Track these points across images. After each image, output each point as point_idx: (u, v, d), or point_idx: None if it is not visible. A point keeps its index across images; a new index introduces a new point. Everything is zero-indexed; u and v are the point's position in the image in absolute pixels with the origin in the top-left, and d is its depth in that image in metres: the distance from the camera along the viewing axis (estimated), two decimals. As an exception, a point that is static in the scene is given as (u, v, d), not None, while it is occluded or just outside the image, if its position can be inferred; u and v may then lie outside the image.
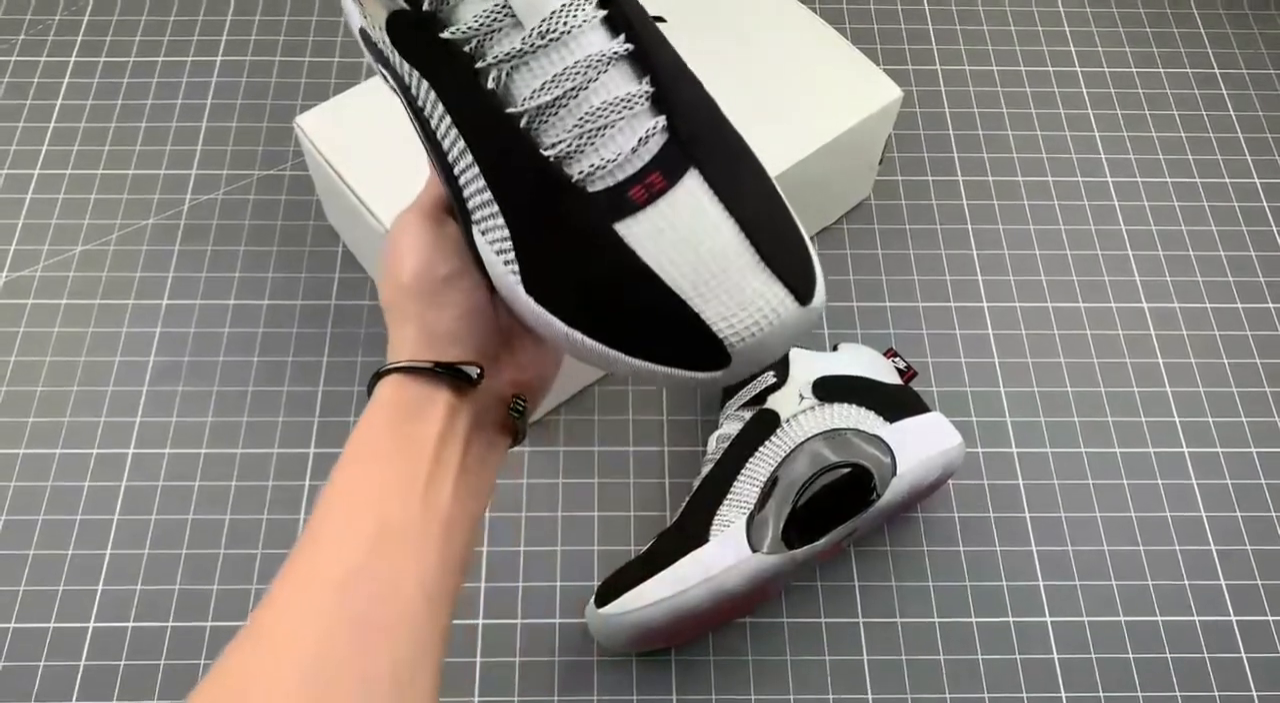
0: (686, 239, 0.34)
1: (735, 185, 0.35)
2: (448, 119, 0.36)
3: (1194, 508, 0.67)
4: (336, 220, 0.72)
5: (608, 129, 0.34)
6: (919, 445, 0.60)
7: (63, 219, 0.75)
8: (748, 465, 0.59)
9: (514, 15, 0.33)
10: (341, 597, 0.33)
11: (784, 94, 0.68)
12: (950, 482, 0.67)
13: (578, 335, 0.35)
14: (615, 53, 0.34)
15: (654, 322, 0.34)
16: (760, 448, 0.60)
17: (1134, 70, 0.86)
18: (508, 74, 0.34)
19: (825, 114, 0.67)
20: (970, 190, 0.79)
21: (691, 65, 0.69)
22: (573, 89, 0.34)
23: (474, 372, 0.38)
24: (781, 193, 0.37)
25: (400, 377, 0.38)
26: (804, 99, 0.68)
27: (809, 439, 0.59)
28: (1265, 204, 0.79)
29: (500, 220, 0.36)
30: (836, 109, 0.67)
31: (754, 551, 0.56)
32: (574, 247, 0.34)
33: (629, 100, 0.34)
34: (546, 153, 0.34)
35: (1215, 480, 0.68)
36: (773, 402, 0.61)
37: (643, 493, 0.66)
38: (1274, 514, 0.67)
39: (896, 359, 0.65)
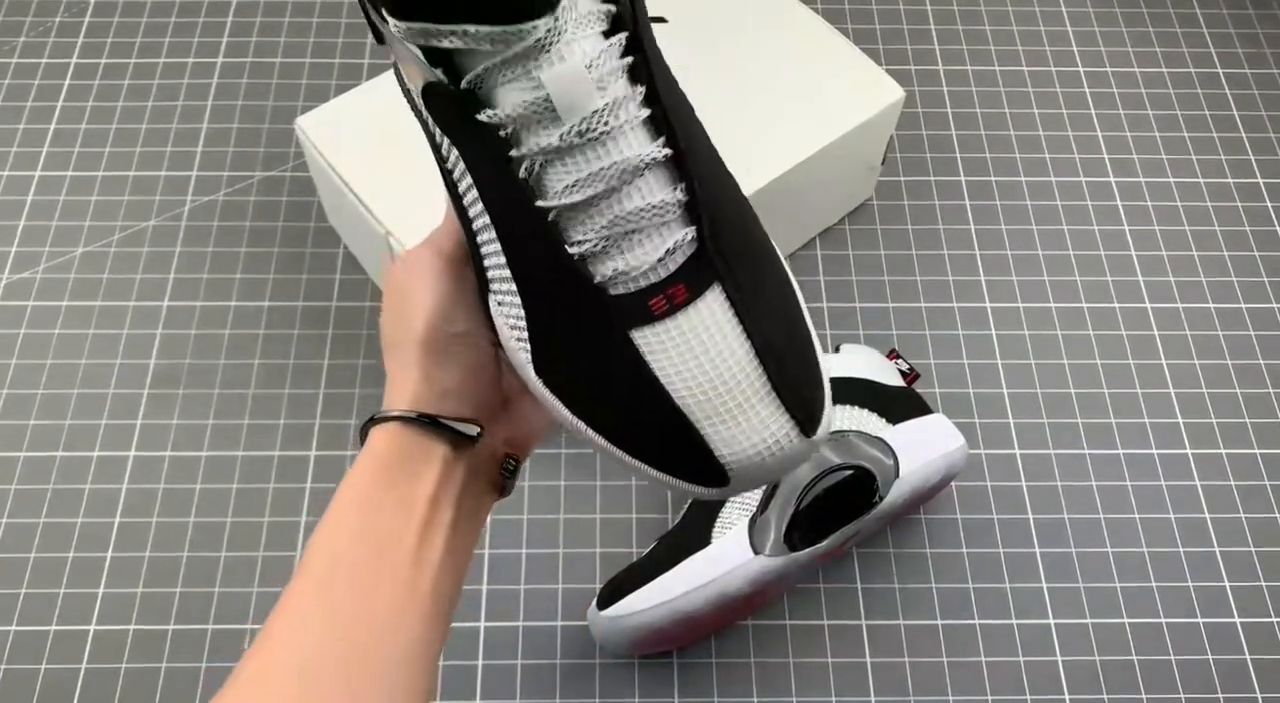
0: (700, 359, 0.33)
1: (756, 301, 0.34)
2: (474, 193, 0.35)
3: (1198, 509, 0.67)
4: (338, 222, 0.72)
5: (637, 234, 0.33)
6: (922, 447, 0.60)
7: (63, 221, 0.75)
8: (750, 467, 0.59)
9: (554, 110, 0.32)
10: (330, 641, 0.33)
11: (786, 95, 0.68)
12: (953, 483, 0.67)
13: (582, 425, 0.35)
14: (654, 158, 0.33)
15: (658, 433, 0.34)
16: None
17: (1136, 70, 0.85)
18: (541, 166, 0.33)
19: (827, 115, 0.67)
20: (973, 191, 0.78)
21: (693, 66, 0.69)
22: (606, 191, 0.33)
23: (474, 430, 0.38)
24: (802, 303, 0.37)
25: (398, 426, 0.37)
26: (806, 100, 0.68)
27: (811, 441, 0.59)
28: (1269, 204, 0.79)
29: (517, 300, 0.35)
30: (839, 110, 0.67)
31: (756, 553, 0.56)
32: (588, 345, 0.34)
33: (661, 209, 0.33)
34: (571, 250, 0.33)
35: (1219, 482, 0.68)
36: (775, 403, 0.61)
37: (645, 495, 0.66)
38: (1278, 515, 0.67)
39: (899, 360, 0.65)
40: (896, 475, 0.59)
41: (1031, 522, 0.66)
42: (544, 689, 0.60)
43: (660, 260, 0.33)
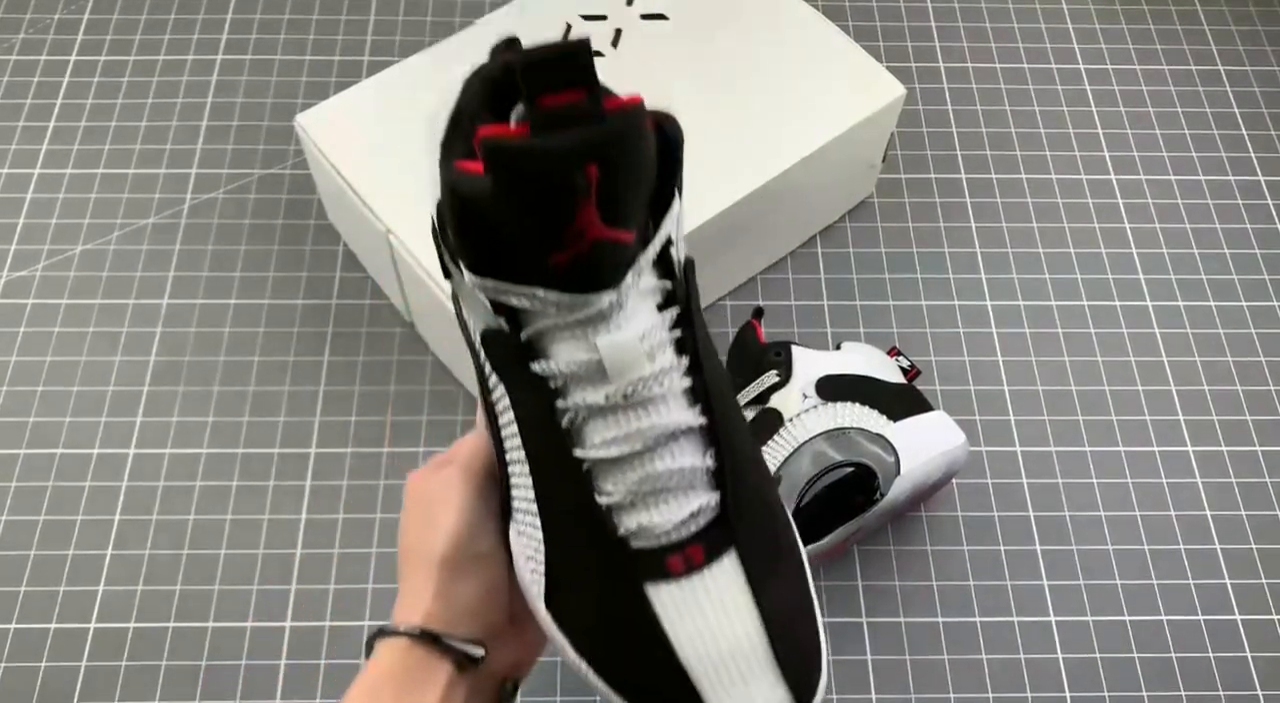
0: (711, 623, 0.35)
1: (768, 569, 0.36)
2: (514, 428, 0.36)
3: (1198, 507, 0.67)
4: (337, 219, 0.72)
5: (664, 494, 0.35)
6: (923, 444, 0.60)
7: (63, 219, 0.75)
8: (751, 465, 0.59)
9: (604, 372, 0.33)
10: None
11: (787, 91, 0.68)
12: (954, 481, 0.67)
13: (584, 665, 0.36)
14: (690, 425, 0.35)
15: (660, 688, 0.35)
16: (763, 447, 0.59)
17: (1137, 67, 0.85)
18: (584, 419, 0.34)
19: (828, 111, 0.67)
20: (973, 188, 0.78)
21: (694, 63, 0.69)
22: (642, 451, 0.34)
23: (480, 653, 0.38)
24: (808, 567, 0.38)
25: (406, 642, 0.37)
26: (807, 96, 0.68)
27: (812, 438, 0.59)
28: (1269, 201, 0.79)
29: (539, 534, 0.36)
30: (839, 106, 0.67)
31: (757, 550, 0.56)
32: (603, 591, 0.35)
33: (691, 473, 0.35)
34: (601, 499, 0.34)
35: (1220, 479, 0.67)
36: (776, 401, 0.61)
37: None
38: (1278, 512, 0.67)
39: (900, 358, 0.65)
40: (897, 473, 0.59)
41: (1032, 519, 0.66)
42: (545, 687, 0.60)
43: (683, 521, 0.35)
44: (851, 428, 0.59)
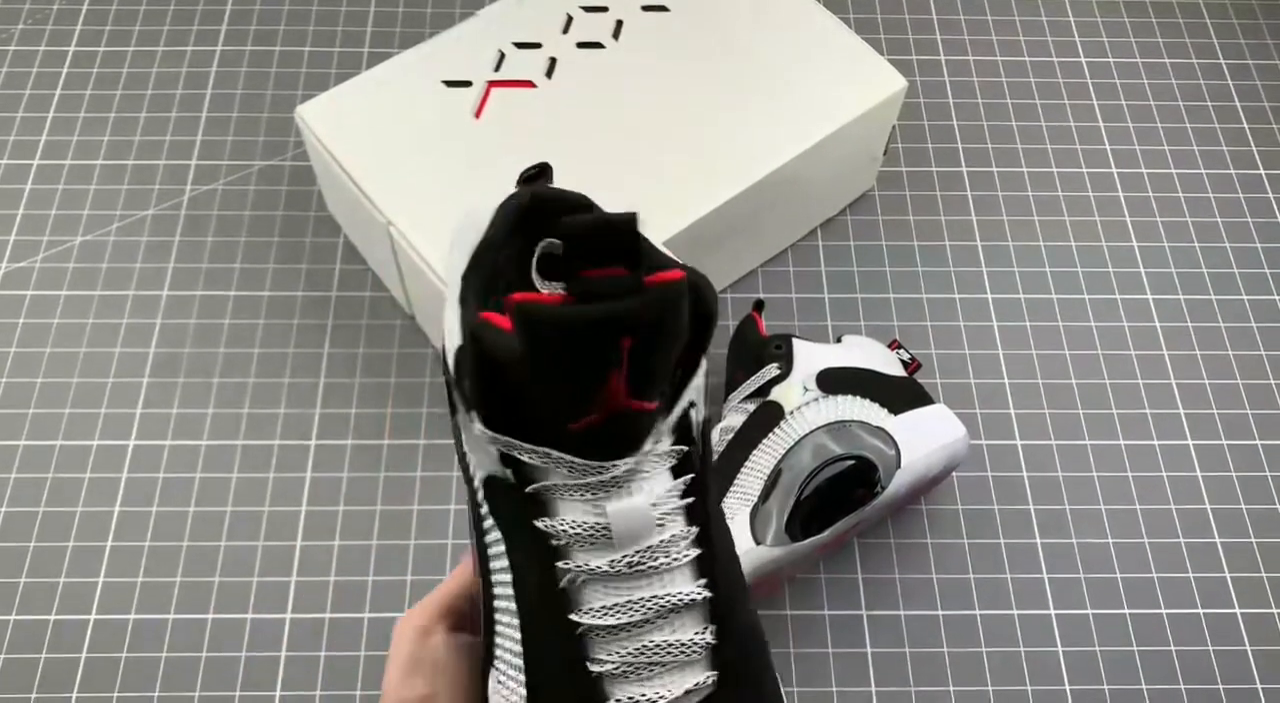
0: None
1: None
2: (507, 577, 0.34)
3: (1198, 501, 0.67)
4: (337, 211, 0.72)
5: (660, 667, 0.33)
6: (923, 438, 0.60)
7: (62, 210, 0.74)
8: (751, 458, 0.59)
9: (610, 537, 0.32)
10: None
11: (788, 84, 0.67)
12: (954, 474, 0.67)
13: None
14: (693, 598, 0.33)
15: None
16: (764, 440, 0.59)
17: (1139, 60, 0.85)
18: (583, 582, 0.33)
19: (829, 104, 0.67)
20: (975, 181, 0.78)
21: (694, 56, 0.69)
22: (641, 621, 0.33)
23: None
24: None
25: None
26: (808, 89, 0.67)
27: (813, 431, 0.59)
28: (1270, 195, 0.79)
29: (521, 692, 0.34)
30: (840, 99, 0.67)
31: (757, 543, 0.56)
32: None
33: (688, 647, 0.33)
34: (592, 667, 0.33)
35: (1220, 473, 0.67)
36: (776, 394, 0.61)
37: None
38: (1278, 506, 0.67)
39: (900, 351, 0.65)
40: (898, 466, 0.59)
41: (1032, 513, 0.66)
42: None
43: (677, 699, 0.33)
44: (852, 421, 0.59)
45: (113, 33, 0.83)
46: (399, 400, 0.68)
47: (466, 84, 0.66)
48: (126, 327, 0.70)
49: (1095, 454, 0.68)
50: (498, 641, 0.35)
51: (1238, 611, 0.63)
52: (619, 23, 0.70)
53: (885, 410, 0.60)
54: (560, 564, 0.33)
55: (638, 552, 0.32)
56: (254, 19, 0.84)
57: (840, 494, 0.58)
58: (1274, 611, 0.63)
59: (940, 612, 0.62)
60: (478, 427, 0.32)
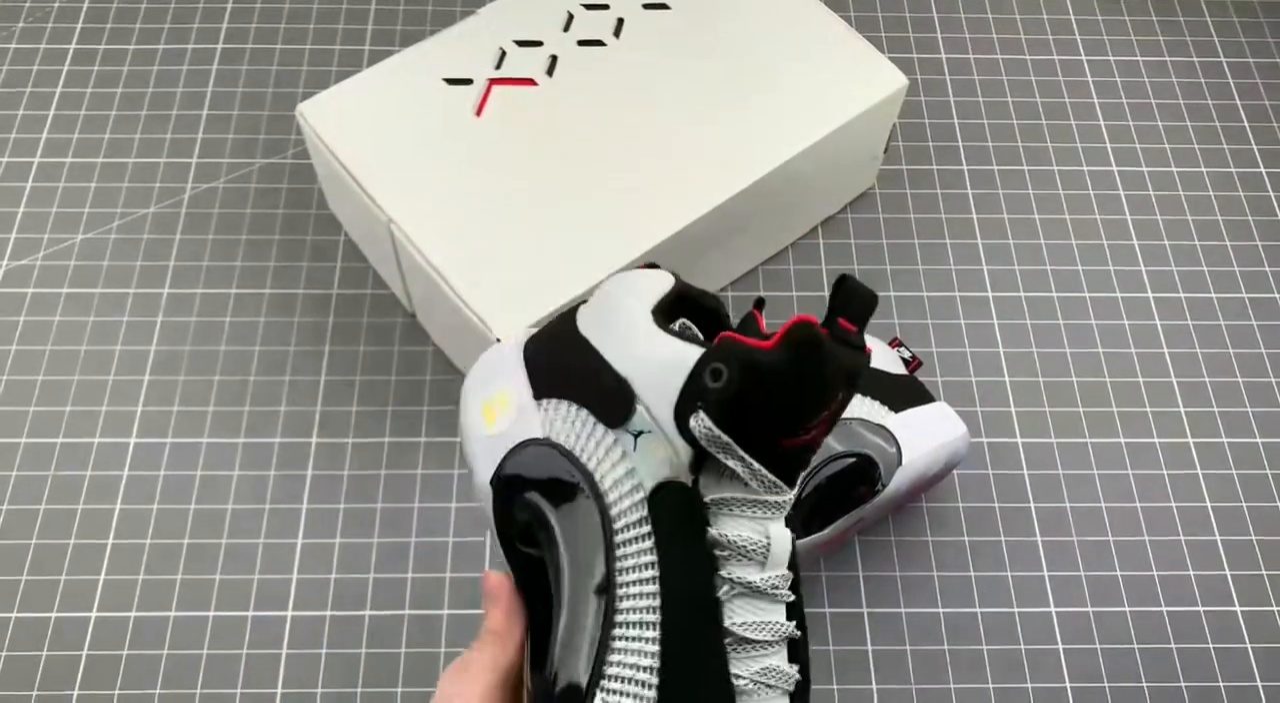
0: None
1: None
2: (654, 589, 0.36)
3: (1199, 498, 0.67)
4: (339, 209, 0.72)
5: (773, 692, 0.36)
6: (924, 435, 0.60)
7: (63, 208, 0.74)
8: (752, 455, 0.59)
9: (765, 556, 0.36)
10: None
11: (788, 82, 0.67)
12: (955, 472, 0.67)
13: None
14: (792, 635, 0.37)
15: None
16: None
17: (1139, 58, 0.85)
18: (735, 595, 0.36)
19: (830, 102, 0.67)
20: (975, 179, 0.78)
21: (696, 54, 0.69)
22: (772, 641, 0.36)
23: None
24: None
25: None
26: (808, 87, 0.67)
27: (814, 429, 0.59)
28: (1271, 193, 0.79)
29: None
30: (841, 97, 0.67)
31: (758, 541, 0.56)
32: None
33: (789, 678, 0.36)
34: (734, 680, 0.36)
35: (1220, 470, 0.68)
36: (777, 391, 0.61)
37: None
38: (1279, 504, 0.67)
39: (901, 349, 0.65)
40: (899, 464, 0.59)
41: (1033, 510, 0.66)
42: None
43: None
44: (853, 419, 0.59)
45: (113, 31, 0.83)
46: (399, 398, 0.68)
47: (467, 82, 0.66)
48: (127, 324, 0.70)
49: (1096, 452, 0.68)
50: (614, 658, 0.36)
51: (1238, 608, 0.63)
52: (620, 20, 0.70)
53: (886, 408, 0.61)
54: (723, 573, 0.36)
55: (779, 576, 0.36)
56: (255, 17, 0.84)
57: (841, 492, 0.58)
58: (1274, 608, 0.63)
59: (941, 609, 0.62)
60: (704, 422, 0.35)
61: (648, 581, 0.36)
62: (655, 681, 0.35)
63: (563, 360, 0.40)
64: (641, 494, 0.37)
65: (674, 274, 0.41)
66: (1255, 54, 0.86)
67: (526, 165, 0.64)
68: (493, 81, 0.67)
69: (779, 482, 0.36)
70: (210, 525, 0.64)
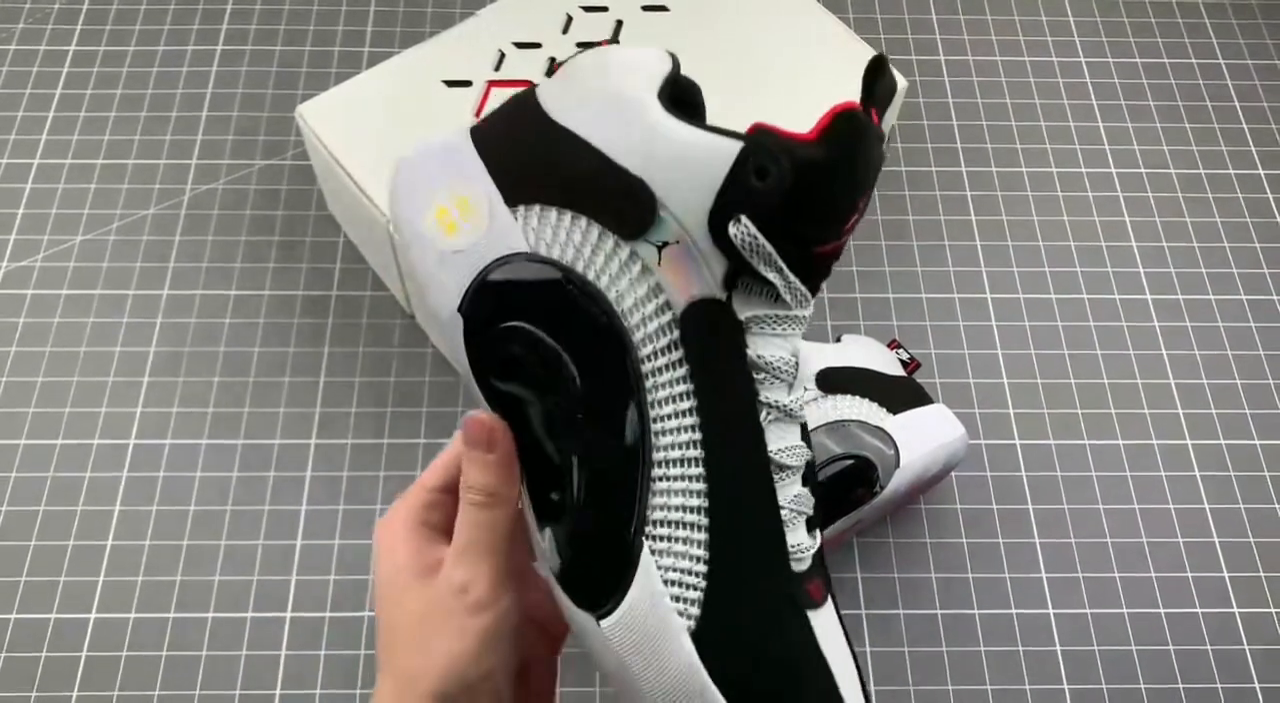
0: (836, 652, 0.33)
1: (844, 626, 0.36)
2: (691, 421, 0.32)
3: (1197, 500, 0.67)
4: (338, 210, 0.72)
5: (803, 517, 0.34)
6: (922, 437, 0.60)
7: (63, 209, 0.74)
8: (750, 457, 0.59)
9: (794, 373, 0.33)
10: None
11: (787, 84, 0.68)
12: (953, 473, 0.67)
13: None
14: (808, 455, 0.34)
15: None
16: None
17: (1138, 61, 0.85)
18: (772, 420, 0.33)
19: (829, 104, 0.67)
20: (974, 181, 0.78)
21: (692, 53, 0.69)
22: (799, 467, 0.33)
23: None
24: None
25: None
26: (807, 88, 0.67)
27: (812, 431, 0.59)
28: (1270, 196, 0.79)
29: (700, 552, 0.32)
30: (840, 99, 0.67)
31: (757, 542, 0.56)
32: (772, 620, 0.32)
33: (807, 499, 0.34)
34: (780, 506, 0.33)
35: (1218, 473, 0.68)
36: (776, 393, 0.61)
37: None
38: (1277, 506, 0.67)
39: (900, 350, 0.65)
40: (897, 465, 0.59)
41: (1031, 512, 0.66)
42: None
43: (812, 548, 0.34)
44: (851, 420, 0.60)
45: (113, 32, 0.83)
46: (399, 399, 0.68)
47: (467, 84, 0.67)
48: (127, 326, 0.70)
49: (1094, 454, 0.68)
50: (657, 501, 0.32)
51: (1236, 610, 0.63)
52: (619, 23, 0.70)
53: (884, 410, 0.61)
54: (763, 397, 0.32)
55: (804, 391, 0.34)
56: (254, 18, 0.84)
57: (839, 494, 0.58)
58: (1272, 610, 0.63)
59: (939, 611, 0.63)
60: (746, 227, 0.31)
61: (685, 413, 0.32)
62: (705, 521, 0.32)
63: (541, 157, 0.33)
64: (670, 315, 0.32)
65: (669, 53, 0.35)
66: (1253, 56, 0.86)
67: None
68: (492, 83, 0.67)
69: (809, 294, 0.32)
70: (209, 527, 0.64)
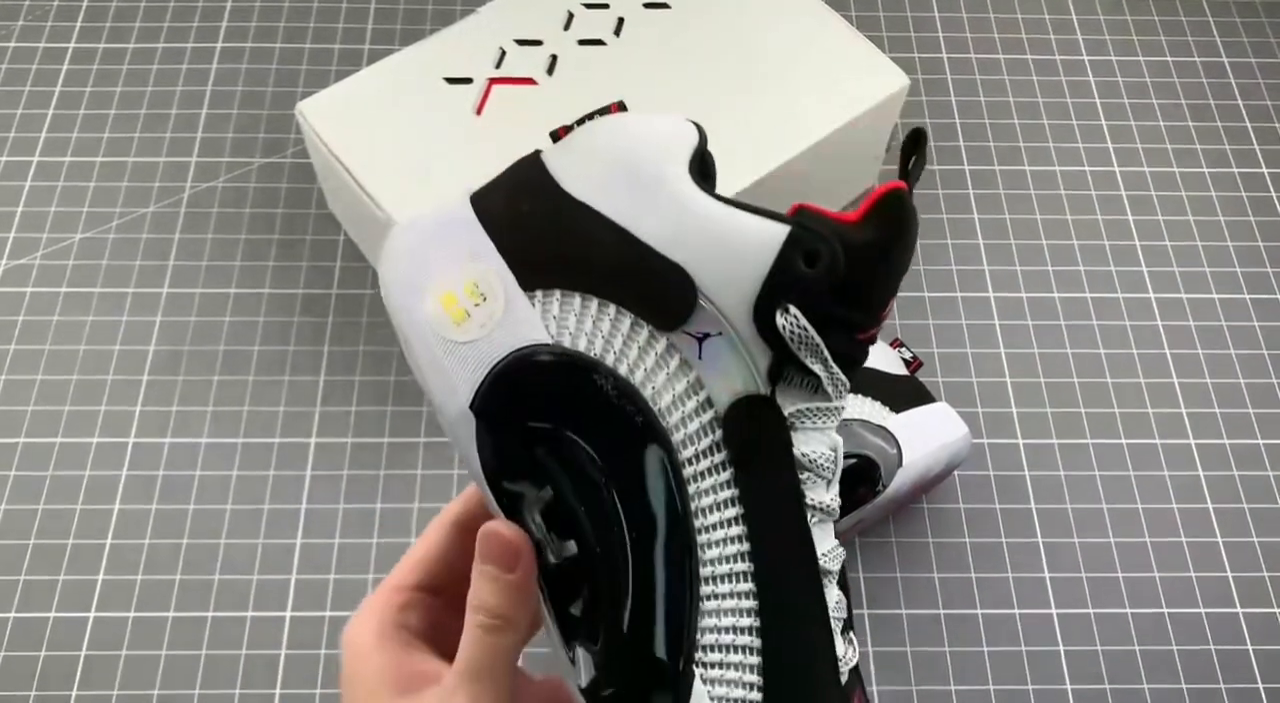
0: None
1: None
2: (738, 531, 0.29)
3: (1200, 500, 0.66)
4: (338, 208, 0.72)
5: (843, 622, 0.31)
6: (925, 436, 0.60)
7: (62, 207, 0.74)
8: (752, 456, 0.59)
9: (833, 470, 0.31)
10: None
11: (789, 81, 0.67)
12: (956, 472, 0.67)
13: None
14: (842, 555, 0.32)
15: None
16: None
17: (1141, 58, 0.85)
18: (816, 522, 0.30)
19: (831, 102, 0.67)
20: (976, 179, 0.78)
21: (695, 52, 0.69)
22: (834, 572, 0.31)
23: None
24: None
25: None
26: (810, 87, 0.67)
27: (814, 430, 0.59)
28: (1273, 194, 0.79)
29: (753, 678, 0.29)
30: (843, 97, 0.67)
31: (759, 542, 0.56)
32: None
33: (843, 604, 0.31)
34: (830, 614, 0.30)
35: (1222, 472, 0.67)
36: (778, 392, 0.61)
37: None
38: (1281, 506, 0.67)
39: (902, 349, 0.65)
40: (899, 465, 0.59)
41: (1034, 511, 0.66)
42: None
43: (852, 658, 0.31)
44: (854, 420, 0.59)
45: (113, 29, 0.83)
46: (399, 399, 0.68)
47: (467, 81, 0.66)
48: (126, 324, 0.70)
49: (1097, 453, 0.68)
50: (707, 623, 0.29)
51: (1239, 610, 0.63)
52: (620, 20, 0.69)
53: (887, 409, 0.60)
54: (808, 500, 0.30)
55: (836, 490, 0.31)
56: (254, 16, 0.84)
57: (842, 493, 0.58)
58: (1276, 610, 0.63)
59: (941, 611, 0.62)
60: (798, 321, 0.29)
61: (732, 521, 0.29)
62: (757, 643, 0.29)
63: (558, 235, 0.30)
64: (711, 414, 0.29)
65: (694, 123, 0.32)
66: (1258, 53, 0.86)
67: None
68: (493, 81, 0.66)
69: (848, 384, 0.30)
70: (209, 526, 0.63)
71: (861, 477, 0.58)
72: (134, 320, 0.70)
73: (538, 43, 0.68)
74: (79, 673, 0.59)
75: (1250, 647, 0.62)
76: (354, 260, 0.73)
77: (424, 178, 0.62)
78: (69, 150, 0.77)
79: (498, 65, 0.67)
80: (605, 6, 0.70)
